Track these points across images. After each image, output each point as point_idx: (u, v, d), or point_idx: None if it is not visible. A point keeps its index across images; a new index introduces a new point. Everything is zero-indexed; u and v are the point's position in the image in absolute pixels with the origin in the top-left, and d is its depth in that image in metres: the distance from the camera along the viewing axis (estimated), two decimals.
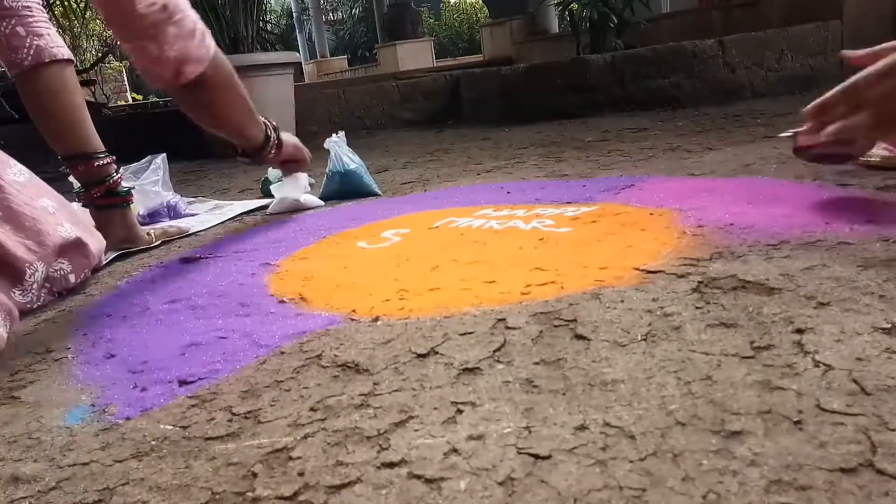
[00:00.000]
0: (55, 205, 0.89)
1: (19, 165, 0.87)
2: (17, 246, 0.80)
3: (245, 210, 1.37)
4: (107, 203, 1.06)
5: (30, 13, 0.98)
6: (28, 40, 0.96)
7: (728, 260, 0.68)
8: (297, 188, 1.32)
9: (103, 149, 1.05)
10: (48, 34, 0.99)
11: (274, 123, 1.17)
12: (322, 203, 1.35)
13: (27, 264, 0.80)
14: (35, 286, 0.82)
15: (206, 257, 0.99)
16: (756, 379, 0.45)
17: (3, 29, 0.95)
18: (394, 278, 0.77)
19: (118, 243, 1.08)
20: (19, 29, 0.96)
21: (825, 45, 2.48)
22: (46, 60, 0.97)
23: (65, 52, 1.00)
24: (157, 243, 1.13)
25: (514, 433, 0.42)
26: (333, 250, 0.94)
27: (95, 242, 0.96)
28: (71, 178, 1.07)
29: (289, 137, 1.23)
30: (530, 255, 0.80)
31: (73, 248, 0.89)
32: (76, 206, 1.06)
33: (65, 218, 0.90)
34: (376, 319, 0.65)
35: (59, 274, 0.87)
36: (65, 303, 0.85)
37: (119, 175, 1.07)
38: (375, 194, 1.39)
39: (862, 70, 0.71)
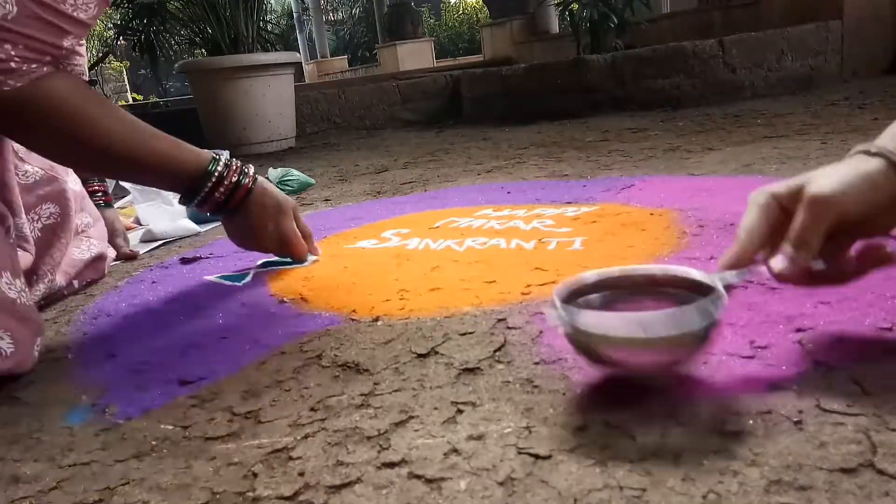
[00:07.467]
0: (91, 220, 0.92)
1: (73, 173, 0.89)
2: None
3: None
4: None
5: None
6: None
7: None
8: (173, 215, 1.16)
9: None
10: None
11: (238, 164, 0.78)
12: (199, 230, 1.20)
13: (48, 269, 0.81)
14: (40, 293, 0.82)
15: (206, 257, 0.99)
16: (756, 379, 0.44)
17: None
18: (394, 278, 0.77)
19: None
20: None
21: (825, 45, 2.48)
22: None
23: None
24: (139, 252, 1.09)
25: (514, 433, 0.42)
26: (333, 250, 0.94)
27: (110, 254, 0.98)
28: None
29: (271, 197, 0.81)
30: (530, 255, 0.80)
31: (90, 264, 0.91)
32: None
33: (97, 233, 0.92)
34: (376, 319, 0.65)
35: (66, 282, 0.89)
36: (65, 303, 0.85)
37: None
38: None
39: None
